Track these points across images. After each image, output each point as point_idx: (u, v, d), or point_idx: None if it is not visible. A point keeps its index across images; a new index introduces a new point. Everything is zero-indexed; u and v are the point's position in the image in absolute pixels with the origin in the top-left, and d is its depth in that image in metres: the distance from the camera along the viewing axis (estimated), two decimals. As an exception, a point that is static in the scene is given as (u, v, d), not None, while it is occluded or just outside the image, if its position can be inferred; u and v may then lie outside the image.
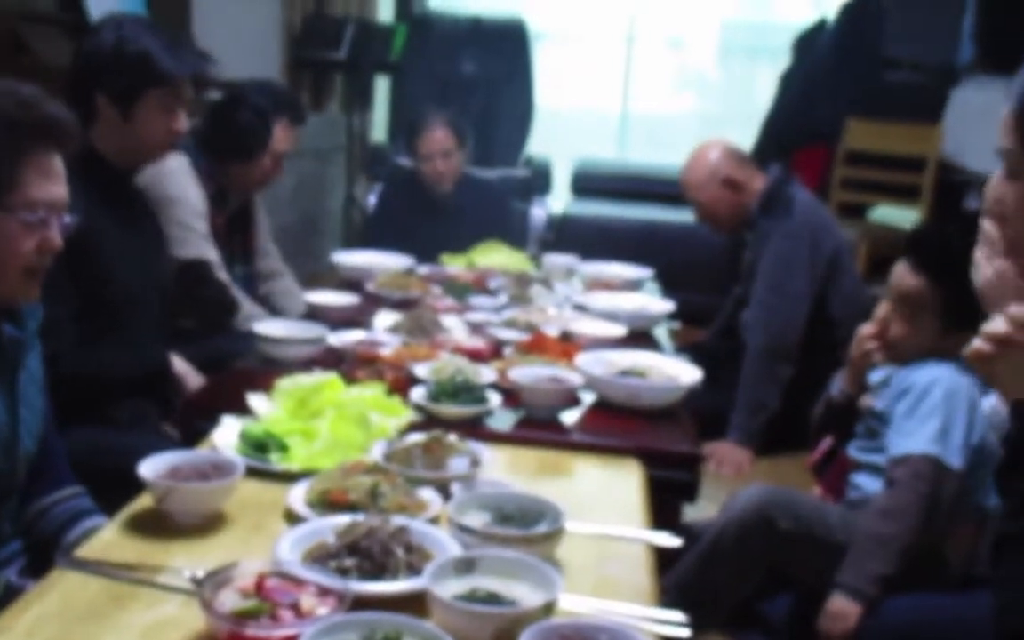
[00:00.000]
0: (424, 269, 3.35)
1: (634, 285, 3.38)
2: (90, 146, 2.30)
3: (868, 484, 2.08)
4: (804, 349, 3.24)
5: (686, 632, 1.29)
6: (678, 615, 1.32)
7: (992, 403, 2.01)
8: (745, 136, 6.17)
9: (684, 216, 4.74)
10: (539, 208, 5.64)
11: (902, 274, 2.13)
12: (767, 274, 3.22)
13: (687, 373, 2.21)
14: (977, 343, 1.22)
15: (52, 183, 1.57)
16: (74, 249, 1.72)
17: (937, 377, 1.99)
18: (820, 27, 6.12)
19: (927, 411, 1.96)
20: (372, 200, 5.57)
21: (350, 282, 3.20)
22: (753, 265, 3.34)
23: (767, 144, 6.14)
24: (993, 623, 1.22)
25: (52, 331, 1.88)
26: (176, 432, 2.40)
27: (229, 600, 1.16)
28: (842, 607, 1.93)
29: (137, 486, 1.74)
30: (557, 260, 3.55)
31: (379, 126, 6.88)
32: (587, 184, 6.19)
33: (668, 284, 3.70)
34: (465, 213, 3.97)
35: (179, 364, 2.46)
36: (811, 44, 6.14)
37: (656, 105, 7.47)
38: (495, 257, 3.51)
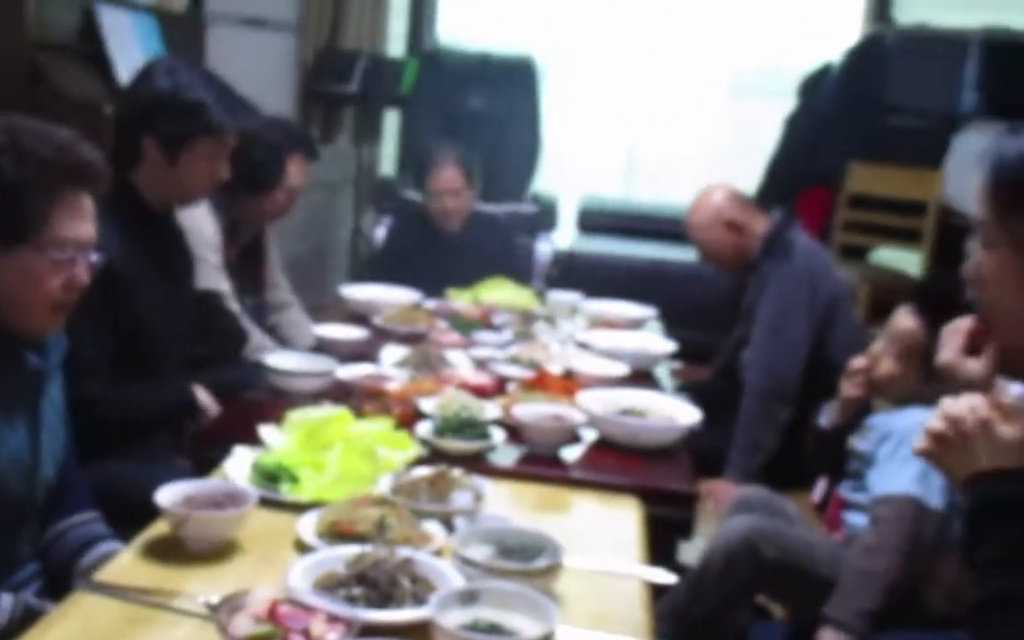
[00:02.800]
0: (431, 303, 3.42)
1: (637, 324, 3.44)
2: (130, 184, 2.37)
3: (858, 522, 2.14)
4: (802, 392, 3.29)
5: (679, 665, 1.35)
6: (672, 649, 1.37)
7: None
8: (750, 176, 6.26)
9: (689, 255, 4.82)
10: (545, 244, 5.72)
11: (902, 315, 2.21)
12: (766, 316, 3.27)
13: (686, 414, 2.27)
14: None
15: (81, 222, 1.64)
16: (110, 290, 1.79)
17: (917, 422, 2.05)
18: (825, 71, 6.21)
19: (907, 454, 2.02)
20: (380, 232, 5.65)
21: (357, 315, 3.27)
22: (753, 307, 3.40)
23: (771, 185, 6.22)
24: None
25: (90, 374, 1.96)
26: (188, 462, 2.47)
27: (243, 625, 1.22)
28: (832, 640, 1.98)
29: (149, 517, 1.81)
30: (561, 297, 3.62)
31: (388, 159, 6.97)
32: (593, 221, 6.27)
33: (671, 322, 3.76)
34: (472, 249, 4.03)
35: (203, 396, 2.52)
36: (816, 88, 6.23)
37: (663, 144, 7.56)
38: (500, 293, 3.57)
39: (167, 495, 1.57)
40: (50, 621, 1.32)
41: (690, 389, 3.49)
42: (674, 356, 3.07)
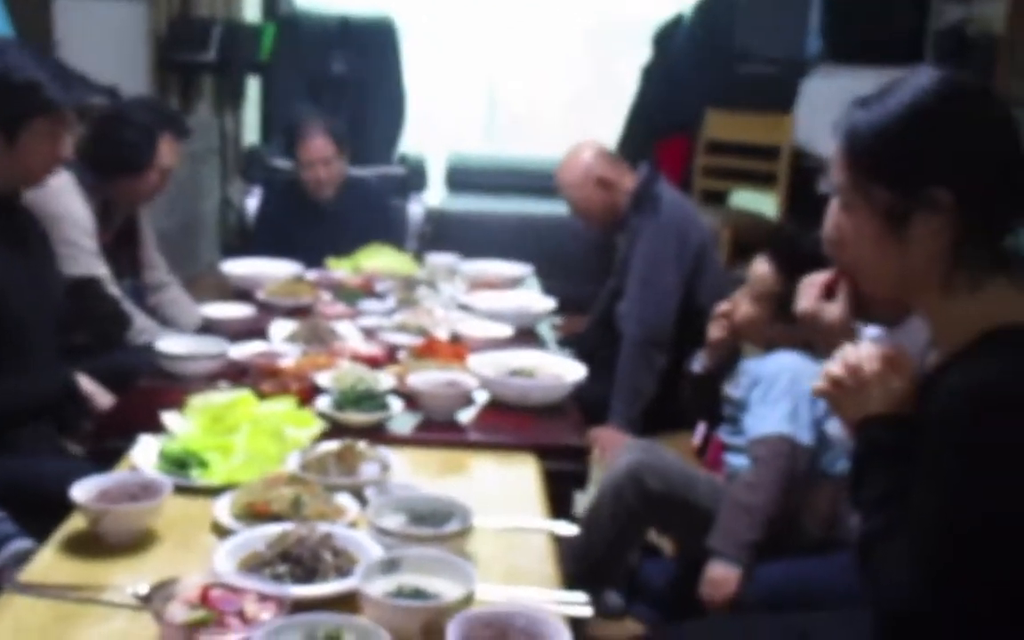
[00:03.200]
0: (312, 274, 3.44)
1: (515, 282, 3.54)
2: None
3: (737, 462, 2.30)
4: (676, 338, 3.46)
5: (589, 611, 1.46)
6: (581, 596, 1.48)
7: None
8: (611, 126, 6.43)
9: (557, 208, 4.93)
10: (416, 204, 5.76)
11: (758, 262, 2.37)
12: (638, 269, 3.42)
13: (572, 371, 2.38)
14: (818, 383, 1.50)
15: None
16: None
17: (783, 366, 2.23)
18: (677, 22, 6.40)
19: (776, 396, 2.19)
20: (251, 203, 5.60)
21: (239, 291, 3.28)
22: (625, 260, 3.54)
23: (632, 135, 6.40)
24: (872, 616, 1.43)
25: None
26: (80, 449, 2.46)
27: (179, 613, 1.27)
28: (722, 573, 2.13)
29: (53, 508, 1.83)
30: (439, 260, 3.69)
31: (251, 127, 6.87)
32: (461, 178, 6.35)
33: (546, 275, 3.88)
34: (347, 216, 4.05)
35: (87, 383, 2.51)
36: (669, 38, 6.42)
37: (525, 96, 7.65)
38: (380, 260, 3.62)
39: (82, 491, 1.59)
40: (-19, 626, 1.35)
41: (570, 342, 3.63)
42: (553, 311, 3.19)
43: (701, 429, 2.48)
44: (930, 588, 1.30)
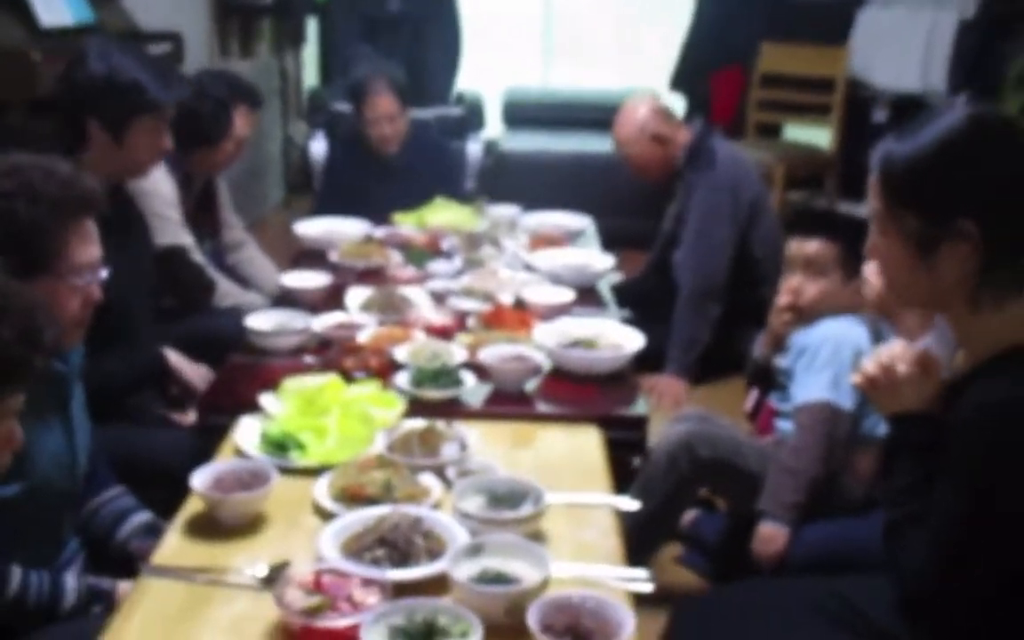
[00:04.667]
0: (380, 232, 3.62)
1: (575, 236, 3.69)
2: (82, 166, 2.51)
3: (786, 427, 2.46)
4: (730, 287, 3.61)
5: (650, 587, 1.64)
6: (642, 573, 1.67)
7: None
8: (666, 58, 6.46)
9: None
10: (474, 144, 5.88)
11: (798, 245, 2.49)
12: (694, 223, 3.55)
13: (631, 340, 2.54)
14: (856, 377, 1.64)
15: (90, 246, 1.83)
16: None
17: (826, 335, 2.38)
18: (735, -50, 6.38)
19: (820, 365, 2.34)
20: (316, 147, 5.76)
21: (312, 252, 3.47)
22: (681, 212, 3.68)
23: (686, 66, 6.44)
24: (893, 595, 1.61)
25: None
26: (180, 418, 2.69)
27: (297, 598, 1.47)
28: (772, 531, 2.31)
29: (164, 480, 2.05)
30: (500, 212, 3.84)
31: (310, 67, 7.01)
32: (518, 114, 6.43)
33: (603, 211, 4.00)
34: (411, 167, 4.20)
35: (174, 358, 2.72)
36: (727, -34, 6.39)
37: (578, 20, 7.64)
38: (444, 215, 3.78)
39: (199, 480, 1.80)
40: (128, 607, 1.56)
41: (626, 289, 3.77)
42: (612, 268, 3.33)
43: (754, 395, 2.64)
44: (944, 573, 1.48)
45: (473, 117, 6.04)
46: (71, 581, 1.79)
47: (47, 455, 1.83)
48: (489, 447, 2.09)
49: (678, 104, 6.49)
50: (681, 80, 6.48)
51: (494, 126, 6.45)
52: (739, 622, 1.84)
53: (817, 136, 5.93)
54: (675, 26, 6.52)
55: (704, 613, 1.97)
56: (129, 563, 1.96)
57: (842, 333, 2.38)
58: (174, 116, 3.31)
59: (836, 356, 2.34)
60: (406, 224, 3.73)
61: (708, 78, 6.33)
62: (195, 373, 2.71)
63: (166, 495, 2.12)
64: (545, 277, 3.12)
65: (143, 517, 2.05)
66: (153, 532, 2.01)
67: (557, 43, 7.69)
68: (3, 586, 1.70)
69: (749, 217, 3.58)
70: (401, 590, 1.52)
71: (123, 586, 1.80)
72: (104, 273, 1.88)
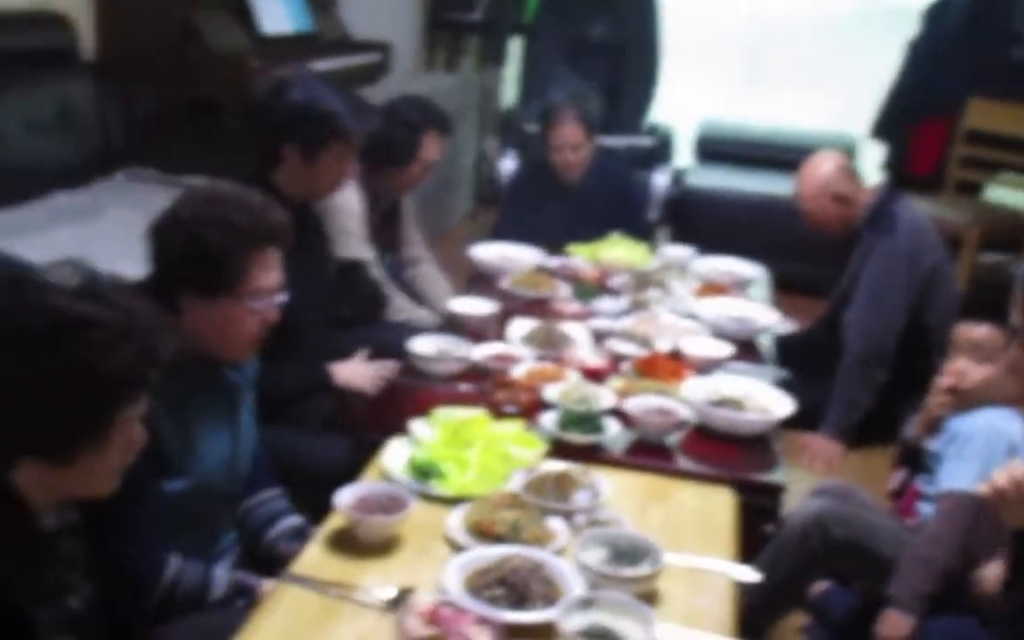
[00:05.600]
0: (553, 262, 3.72)
1: (744, 284, 3.69)
2: (272, 184, 2.72)
3: (928, 511, 2.41)
4: (899, 353, 3.53)
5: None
6: (750, 648, 1.70)
7: None
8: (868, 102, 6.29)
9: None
10: (661, 176, 5.90)
11: (967, 328, 2.44)
12: (868, 286, 3.50)
13: (780, 405, 2.55)
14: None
15: (271, 272, 1.99)
16: None
17: (982, 424, 2.32)
18: (953, -2, 6.16)
19: (971, 454, 2.30)
20: (503, 163, 5.93)
21: (484, 276, 3.61)
22: (857, 272, 3.62)
23: (889, 114, 6.27)
24: None
25: None
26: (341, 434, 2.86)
27: (416, 628, 1.58)
28: (898, 619, 2.28)
29: (320, 486, 2.21)
30: (674, 252, 3.88)
31: (509, 85, 7.20)
32: (711, 148, 6.42)
33: (787, 254, 3.98)
34: (591, 196, 4.28)
35: (341, 375, 2.89)
36: (942, 14, 6.18)
37: (782, 66, 7.53)
38: (617, 251, 3.85)
39: (343, 499, 1.94)
40: (264, 611, 1.72)
41: (791, 341, 3.74)
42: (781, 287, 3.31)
43: (900, 474, 2.60)
44: None
45: (663, 148, 6.07)
46: (221, 573, 1.96)
47: (214, 457, 2.02)
48: (622, 497, 2.15)
49: (877, 153, 6.35)
50: (883, 128, 6.31)
51: (684, 156, 6.47)
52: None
53: (1021, 199, 5.67)
54: (887, 66, 6.33)
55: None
56: (276, 563, 2.13)
57: (999, 425, 2.32)
58: (366, 138, 3.55)
59: (989, 447, 2.29)
60: (579, 256, 3.82)
61: (910, 128, 6.15)
62: (363, 380, 2.87)
63: (321, 500, 2.29)
64: (707, 327, 3.14)
65: (294, 521, 2.21)
66: (301, 536, 2.18)
67: (759, 75, 7.60)
68: (161, 572, 1.89)
69: (926, 286, 3.50)
70: (513, 632, 1.61)
71: (266, 585, 1.96)
72: (282, 297, 2.04)
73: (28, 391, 1.41)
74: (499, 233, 4.05)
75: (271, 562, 2.12)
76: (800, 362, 3.46)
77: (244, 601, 1.94)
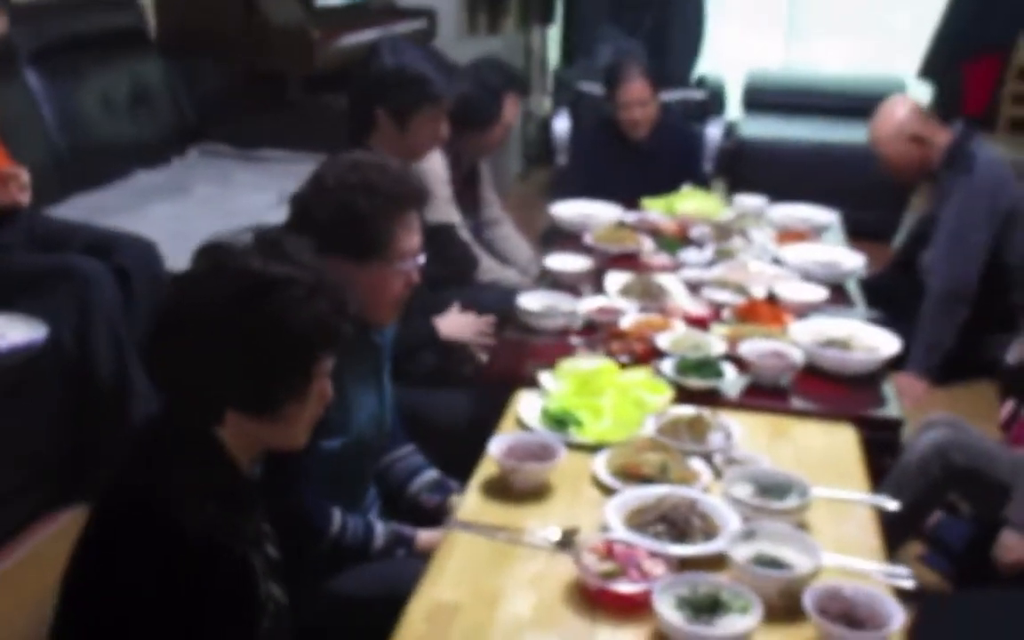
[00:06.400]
0: (630, 217, 3.78)
1: (821, 230, 3.73)
2: (367, 150, 2.79)
3: (1043, 440, 2.48)
4: (980, 292, 3.57)
5: (912, 583, 1.75)
6: (903, 570, 1.77)
7: None
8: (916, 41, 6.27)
9: (858, 133, 4.96)
10: (714, 128, 5.92)
11: None
12: (949, 226, 3.53)
13: (886, 343, 2.61)
14: None
15: (414, 235, 2.07)
16: None
17: None
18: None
19: None
20: (557, 123, 5.96)
21: (565, 233, 3.67)
22: (934, 214, 3.66)
23: (938, 51, 6.24)
24: None
25: None
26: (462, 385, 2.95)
27: (591, 562, 1.67)
28: (1015, 542, 2.35)
29: (443, 438, 2.29)
30: (747, 202, 3.93)
31: (552, 44, 7.21)
32: (759, 98, 6.43)
33: (845, 202, 4.03)
34: (658, 153, 4.33)
35: (444, 327, 2.97)
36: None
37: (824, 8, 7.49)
38: (691, 203, 3.90)
39: (496, 448, 2.02)
40: (442, 556, 1.80)
41: (868, 285, 3.79)
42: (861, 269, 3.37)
43: (1009, 405, 2.65)
44: None
45: (714, 101, 6.10)
46: (380, 525, 2.05)
47: (365, 415, 2.10)
48: (748, 438, 2.22)
49: (924, 93, 6.34)
50: (931, 68, 6.29)
51: (734, 109, 6.48)
52: (986, 634, 1.91)
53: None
54: (929, 6, 6.30)
55: (951, 616, 2.05)
56: (416, 513, 2.22)
57: None
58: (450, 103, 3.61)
59: None
60: (655, 210, 3.87)
61: (960, 67, 6.13)
62: (467, 332, 2.96)
63: (444, 452, 2.38)
64: (795, 273, 3.20)
65: (432, 474, 2.30)
66: (440, 489, 2.27)
67: (801, 22, 7.57)
68: (328, 525, 1.98)
69: (1005, 225, 3.53)
70: (681, 564, 1.69)
71: (423, 534, 2.05)
72: (422, 258, 2.11)
73: (237, 350, 1.49)
74: (566, 192, 4.09)
75: (414, 514, 2.22)
76: (880, 305, 3.51)
77: (403, 551, 2.03)
